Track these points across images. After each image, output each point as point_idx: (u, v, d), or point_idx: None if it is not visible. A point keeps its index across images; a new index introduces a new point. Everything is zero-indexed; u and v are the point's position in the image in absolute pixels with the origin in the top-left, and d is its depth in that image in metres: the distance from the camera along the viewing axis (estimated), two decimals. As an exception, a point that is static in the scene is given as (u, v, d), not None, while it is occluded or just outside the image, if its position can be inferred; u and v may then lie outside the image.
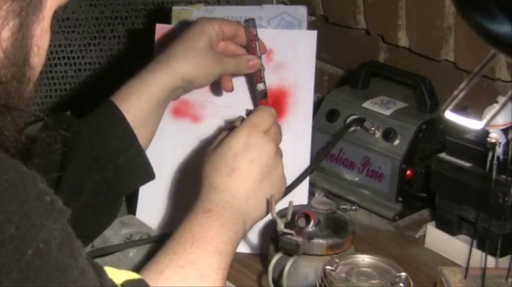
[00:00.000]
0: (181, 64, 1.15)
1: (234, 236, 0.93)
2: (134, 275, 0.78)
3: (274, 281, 1.10)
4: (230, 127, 1.05)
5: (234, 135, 1.01)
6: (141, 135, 1.14)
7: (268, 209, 1.02)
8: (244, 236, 0.97)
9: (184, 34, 1.19)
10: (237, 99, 1.26)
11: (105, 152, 1.10)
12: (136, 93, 1.14)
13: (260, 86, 1.21)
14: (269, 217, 1.12)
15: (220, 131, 1.08)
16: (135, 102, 1.13)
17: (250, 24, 1.20)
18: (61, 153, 1.07)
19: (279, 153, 1.03)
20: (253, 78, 1.21)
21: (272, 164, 1.01)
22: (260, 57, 1.21)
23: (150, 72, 1.15)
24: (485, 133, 1.09)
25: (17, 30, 0.68)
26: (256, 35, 1.21)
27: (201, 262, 0.87)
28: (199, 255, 0.88)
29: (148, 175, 1.17)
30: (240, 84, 1.26)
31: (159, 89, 1.14)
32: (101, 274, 0.71)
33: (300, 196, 1.23)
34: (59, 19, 1.56)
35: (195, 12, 1.33)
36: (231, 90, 1.22)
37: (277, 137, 1.04)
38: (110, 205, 1.12)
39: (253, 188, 0.99)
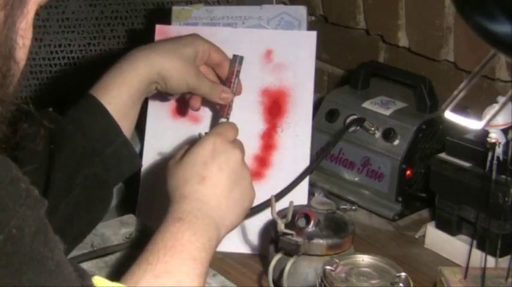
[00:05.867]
0: (161, 59, 1.15)
1: (208, 242, 0.92)
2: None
3: (274, 282, 1.10)
4: (190, 142, 1.04)
5: (200, 145, 1.00)
6: (123, 126, 1.14)
7: (242, 217, 1.01)
8: (219, 244, 0.96)
9: (173, 39, 1.21)
10: (237, 99, 1.26)
11: (91, 147, 1.10)
12: (116, 86, 1.14)
13: (223, 121, 1.19)
14: (269, 217, 1.12)
15: (180, 147, 1.07)
16: (116, 95, 1.14)
17: (237, 59, 1.20)
18: (47, 147, 1.07)
19: (245, 163, 1.02)
20: (219, 111, 1.20)
21: (240, 172, 1.00)
22: (233, 95, 1.21)
23: (130, 63, 1.15)
24: (485, 133, 1.09)
25: (2, 24, 0.68)
26: (239, 72, 1.21)
27: (176, 270, 0.87)
28: (173, 263, 0.87)
29: (135, 164, 1.18)
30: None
31: (137, 79, 1.15)
32: (84, 276, 0.71)
33: (300, 196, 1.23)
34: (59, 19, 1.56)
35: (195, 12, 1.33)
36: (197, 109, 1.22)
37: (242, 148, 1.04)
38: (101, 199, 1.12)
39: (224, 195, 0.98)
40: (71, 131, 1.09)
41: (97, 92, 1.14)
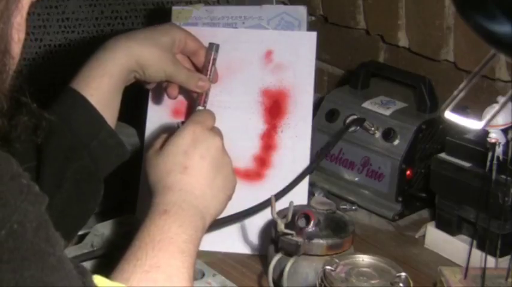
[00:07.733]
0: (139, 48, 1.15)
1: (194, 233, 0.92)
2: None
3: (274, 282, 1.10)
4: (169, 131, 1.04)
5: (180, 134, 1.00)
6: (107, 117, 1.14)
7: (225, 205, 1.02)
8: (204, 233, 0.96)
9: (150, 27, 1.21)
10: (237, 100, 1.26)
11: (78, 140, 1.10)
12: (97, 77, 1.14)
13: (200, 109, 1.18)
14: (269, 217, 1.12)
15: (157, 135, 1.06)
16: (97, 86, 1.13)
17: (213, 48, 1.20)
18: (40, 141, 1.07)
19: (225, 151, 1.02)
20: (196, 99, 1.20)
21: (222, 159, 1.01)
22: (210, 83, 1.20)
23: (109, 52, 1.15)
24: (485, 133, 1.09)
25: None
26: (215, 60, 1.20)
27: (165, 264, 0.86)
28: (162, 257, 0.87)
29: (123, 154, 1.17)
30: (239, 84, 1.27)
31: (117, 69, 1.14)
32: (84, 274, 0.71)
33: (299, 196, 1.23)
34: (59, 19, 1.56)
35: (195, 12, 1.33)
36: (174, 97, 1.22)
37: (221, 135, 1.04)
38: (92, 191, 1.12)
39: (208, 183, 0.98)
40: (56, 126, 1.08)
41: (78, 85, 1.13)
